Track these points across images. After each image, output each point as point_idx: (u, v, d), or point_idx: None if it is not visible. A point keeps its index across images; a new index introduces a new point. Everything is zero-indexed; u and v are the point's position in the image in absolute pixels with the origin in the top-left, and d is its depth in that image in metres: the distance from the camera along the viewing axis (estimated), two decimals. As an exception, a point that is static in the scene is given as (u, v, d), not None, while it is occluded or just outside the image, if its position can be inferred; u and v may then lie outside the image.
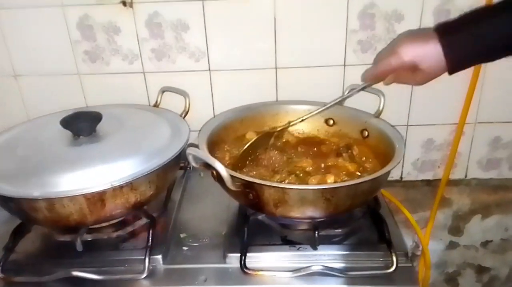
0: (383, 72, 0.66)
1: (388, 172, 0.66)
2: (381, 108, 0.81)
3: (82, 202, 0.59)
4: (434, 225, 1.10)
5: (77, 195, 0.58)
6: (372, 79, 0.70)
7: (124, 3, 0.89)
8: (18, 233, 0.70)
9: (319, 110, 0.81)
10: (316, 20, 0.90)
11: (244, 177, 0.63)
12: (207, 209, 0.80)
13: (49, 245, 0.66)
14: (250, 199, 0.62)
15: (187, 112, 0.85)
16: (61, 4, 0.90)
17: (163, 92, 0.90)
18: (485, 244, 1.14)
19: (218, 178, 0.65)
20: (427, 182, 1.07)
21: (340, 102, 0.81)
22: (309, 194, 0.61)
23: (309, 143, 0.85)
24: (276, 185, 0.62)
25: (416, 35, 0.61)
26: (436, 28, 0.60)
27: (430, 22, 0.88)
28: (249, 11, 0.89)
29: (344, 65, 0.93)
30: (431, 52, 0.58)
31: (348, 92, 0.79)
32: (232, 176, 0.60)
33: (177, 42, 0.93)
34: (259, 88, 0.95)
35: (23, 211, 0.61)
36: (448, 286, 1.21)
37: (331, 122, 0.88)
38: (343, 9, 0.88)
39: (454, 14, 0.87)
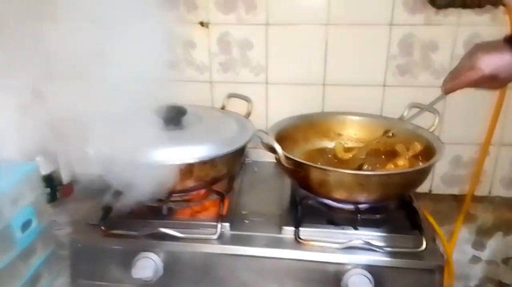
0: (465, 85, 0.72)
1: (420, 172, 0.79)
2: (435, 124, 0.89)
3: (176, 171, 0.75)
4: (459, 239, 1.17)
5: (173, 165, 0.74)
6: (453, 91, 0.75)
7: (202, 24, 1.08)
8: (114, 197, 0.86)
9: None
10: (361, 45, 1.05)
11: (295, 157, 0.77)
12: (263, 196, 0.94)
13: (140, 209, 0.81)
14: (299, 177, 0.77)
15: (249, 114, 1.01)
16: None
17: (229, 97, 1.06)
18: (506, 260, 1.21)
19: (279, 160, 0.79)
20: (454, 197, 1.16)
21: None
22: (346, 177, 0.75)
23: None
24: (319, 167, 0.76)
25: (489, 47, 0.68)
26: (506, 39, 0.68)
27: (461, 52, 1.02)
28: (305, 36, 1.05)
29: (384, 86, 1.07)
30: (509, 63, 0.66)
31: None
32: (286, 157, 0.76)
33: (242, 58, 1.10)
34: (308, 101, 1.10)
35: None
36: (470, 299, 1.28)
37: (390, 134, 0.95)
38: (385, 37, 1.03)
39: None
